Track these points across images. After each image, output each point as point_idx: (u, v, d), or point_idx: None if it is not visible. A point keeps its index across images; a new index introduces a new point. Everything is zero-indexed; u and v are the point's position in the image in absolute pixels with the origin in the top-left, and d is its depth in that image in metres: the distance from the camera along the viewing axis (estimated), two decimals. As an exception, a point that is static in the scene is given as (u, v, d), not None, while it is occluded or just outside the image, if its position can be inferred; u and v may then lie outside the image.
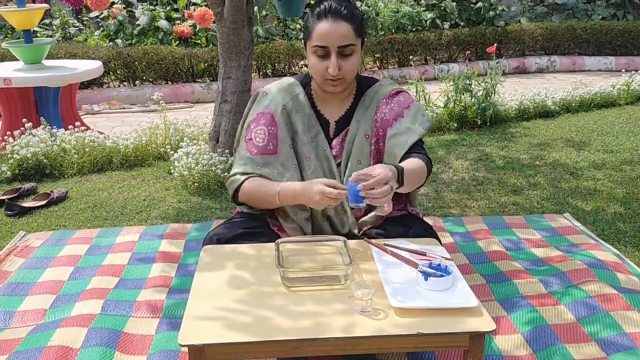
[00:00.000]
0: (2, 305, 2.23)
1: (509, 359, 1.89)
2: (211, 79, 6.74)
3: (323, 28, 1.88)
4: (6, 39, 6.90)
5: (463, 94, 4.85)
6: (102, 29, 7.01)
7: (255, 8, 3.84)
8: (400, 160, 1.91)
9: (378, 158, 2.02)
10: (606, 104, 5.50)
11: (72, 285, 2.38)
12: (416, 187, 1.92)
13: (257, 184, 1.95)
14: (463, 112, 4.80)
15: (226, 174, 3.48)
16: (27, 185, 3.57)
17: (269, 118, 2.01)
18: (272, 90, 2.06)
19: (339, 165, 2.03)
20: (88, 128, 4.43)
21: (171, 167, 3.72)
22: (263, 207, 2.02)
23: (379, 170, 1.70)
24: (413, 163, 1.87)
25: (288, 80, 2.10)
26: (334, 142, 2.05)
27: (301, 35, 7.28)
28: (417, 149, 1.96)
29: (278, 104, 2.03)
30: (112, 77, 6.67)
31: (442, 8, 7.69)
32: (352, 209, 1.99)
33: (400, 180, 1.77)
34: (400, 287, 1.62)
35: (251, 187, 1.95)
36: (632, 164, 3.89)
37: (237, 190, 1.98)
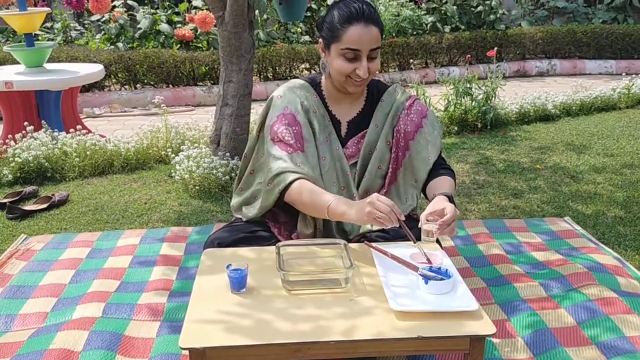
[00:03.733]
0: (4, 309, 2.23)
1: (510, 363, 1.89)
2: (212, 82, 6.75)
3: (357, 32, 1.89)
4: (8, 42, 6.91)
5: (463, 97, 4.86)
6: (103, 32, 7.03)
7: (257, 12, 3.85)
8: (428, 177, 2.04)
9: (395, 166, 2.08)
10: (607, 107, 5.51)
11: (73, 288, 2.38)
12: None
13: (309, 190, 1.86)
14: (463, 115, 4.81)
15: (227, 177, 3.49)
16: (29, 189, 3.57)
17: (290, 118, 1.98)
18: (286, 93, 2.04)
19: (352, 165, 2.07)
20: (89, 131, 4.44)
21: (172, 171, 3.72)
22: (305, 211, 1.94)
23: (449, 210, 1.79)
24: (446, 182, 1.99)
25: (297, 81, 2.10)
26: (349, 142, 2.08)
27: (302, 39, 7.30)
28: (439, 162, 2.08)
29: (296, 104, 2.01)
30: (114, 80, 6.68)
31: (442, 12, 7.71)
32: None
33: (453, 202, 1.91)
34: (401, 290, 1.62)
35: (301, 191, 1.87)
36: (633, 168, 3.89)
37: (284, 190, 1.90)
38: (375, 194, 1.76)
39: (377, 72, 2.08)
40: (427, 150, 2.05)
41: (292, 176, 1.89)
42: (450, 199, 1.90)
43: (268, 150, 1.98)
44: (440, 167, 2.06)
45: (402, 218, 1.73)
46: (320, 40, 2.01)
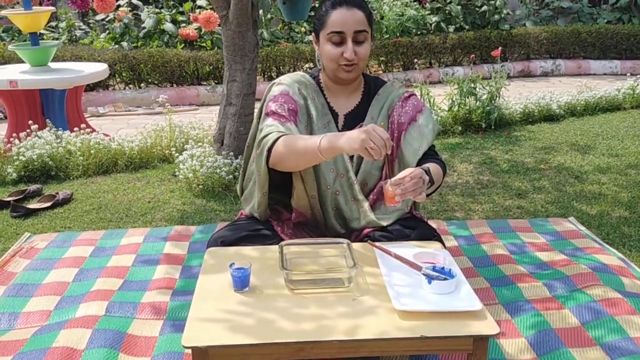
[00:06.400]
0: (7, 307, 2.24)
1: (513, 363, 1.88)
2: (216, 81, 6.75)
3: (339, 15, 1.95)
4: (13, 41, 6.93)
5: (468, 97, 4.85)
6: (108, 31, 7.04)
7: (261, 11, 3.85)
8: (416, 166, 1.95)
9: (391, 158, 2.06)
10: (611, 107, 5.49)
11: (76, 286, 2.39)
12: (436, 188, 1.95)
13: (295, 138, 1.84)
14: (468, 115, 4.80)
15: (230, 176, 3.49)
16: (33, 187, 3.58)
17: (287, 98, 2.03)
18: (286, 80, 2.11)
19: (351, 157, 2.07)
20: (93, 130, 4.44)
21: (176, 170, 3.73)
22: (297, 163, 1.89)
23: (409, 170, 1.73)
24: (431, 165, 1.93)
25: (298, 73, 2.16)
26: None
27: (306, 39, 7.30)
28: (430, 154, 2.04)
29: (294, 88, 2.07)
30: (118, 79, 6.69)
31: (447, 11, 7.69)
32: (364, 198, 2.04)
33: (429, 177, 1.80)
34: (404, 290, 1.62)
35: (287, 143, 1.84)
36: (637, 168, 3.88)
37: (270, 148, 1.88)
38: (372, 124, 1.71)
39: (379, 71, 2.08)
40: (419, 142, 2.03)
41: (277, 134, 1.89)
42: (427, 172, 1.81)
43: (262, 124, 2.02)
44: (430, 157, 2.02)
45: (389, 152, 1.69)
46: (313, 34, 2.07)
